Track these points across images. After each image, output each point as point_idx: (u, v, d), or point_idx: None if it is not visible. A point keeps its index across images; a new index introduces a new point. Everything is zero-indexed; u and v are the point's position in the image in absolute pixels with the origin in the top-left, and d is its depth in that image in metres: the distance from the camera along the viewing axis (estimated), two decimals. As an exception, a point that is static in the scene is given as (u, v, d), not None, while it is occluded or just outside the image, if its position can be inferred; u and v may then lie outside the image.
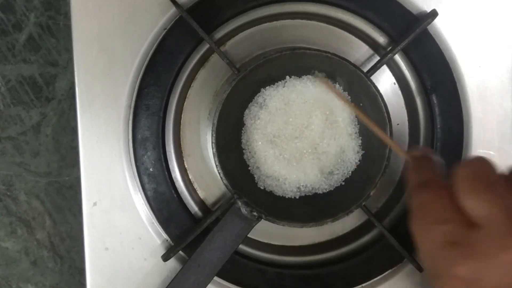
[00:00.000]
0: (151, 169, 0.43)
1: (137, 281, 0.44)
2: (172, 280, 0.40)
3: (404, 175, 0.32)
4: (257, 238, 0.45)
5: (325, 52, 0.40)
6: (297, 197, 0.43)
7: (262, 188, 0.43)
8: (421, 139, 0.45)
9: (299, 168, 0.42)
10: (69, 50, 0.51)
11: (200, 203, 0.45)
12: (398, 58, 0.44)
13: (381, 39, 0.45)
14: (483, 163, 0.26)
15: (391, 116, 0.40)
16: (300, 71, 0.42)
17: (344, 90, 0.42)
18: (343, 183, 0.43)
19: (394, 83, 0.46)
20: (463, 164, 0.27)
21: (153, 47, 0.44)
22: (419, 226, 0.27)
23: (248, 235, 0.41)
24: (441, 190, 0.27)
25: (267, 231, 0.45)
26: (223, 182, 0.40)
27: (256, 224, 0.40)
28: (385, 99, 0.40)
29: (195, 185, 0.45)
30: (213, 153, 0.40)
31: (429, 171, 0.30)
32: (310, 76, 0.42)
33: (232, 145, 0.43)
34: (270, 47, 0.45)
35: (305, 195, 0.43)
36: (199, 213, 0.45)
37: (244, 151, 0.43)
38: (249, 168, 0.43)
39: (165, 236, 0.44)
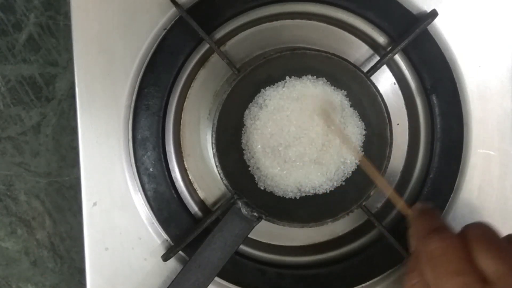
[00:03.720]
0: (151, 169, 0.43)
1: (137, 281, 0.44)
2: (173, 281, 0.40)
3: (408, 231, 0.33)
4: (257, 238, 0.45)
5: (325, 52, 0.40)
6: (297, 198, 0.43)
7: (262, 188, 0.43)
8: (421, 139, 0.45)
9: (299, 168, 0.42)
10: (69, 50, 0.51)
11: (200, 203, 0.45)
12: (398, 58, 0.44)
13: (381, 39, 0.45)
14: (489, 226, 0.29)
15: (391, 116, 0.40)
16: (300, 71, 0.42)
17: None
18: (343, 183, 0.43)
19: (394, 83, 0.46)
20: (473, 225, 0.29)
21: (153, 47, 0.44)
22: (432, 276, 0.28)
23: (248, 235, 0.41)
24: (453, 239, 0.28)
25: (267, 231, 0.45)
26: (223, 182, 0.40)
27: (256, 225, 0.40)
28: (385, 99, 0.40)
29: (195, 185, 0.45)
30: (213, 153, 0.40)
31: (437, 220, 0.31)
32: (310, 76, 0.42)
33: (232, 146, 0.43)
34: (270, 47, 0.45)
35: (305, 195, 0.43)
36: (199, 213, 0.45)
37: (244, 151, 0.43)
38: (249, 169, 0.43)
39: (165, 236, 0.44)
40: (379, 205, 0.46)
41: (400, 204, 0.35)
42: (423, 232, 0.30)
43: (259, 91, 0.43)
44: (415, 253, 0.30)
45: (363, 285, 0.44)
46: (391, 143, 0.40)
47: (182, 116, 0.45)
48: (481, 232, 0.28)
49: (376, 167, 0.37)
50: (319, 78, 0.42)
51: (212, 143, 0.39)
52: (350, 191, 0.42)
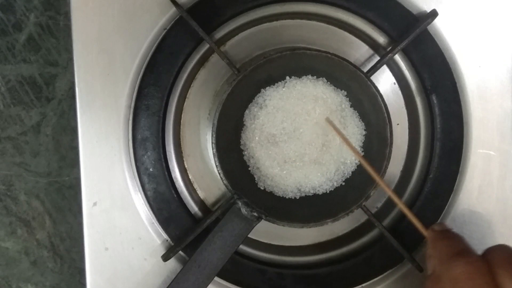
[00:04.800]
0: (151, 169, 0.43)
1: (137, 281, 0.44)
2: (172, 281, 0.40)
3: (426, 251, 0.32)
4: (257, 238, 0.45)
5: (325, 52, 0.40)
6: (297, 198, 0.43)
7: (262, 188, 0.43)
8: (421, 139, 0.45)
9: (299, 168, 0.42)
10: (69, 50, 0.51)
11: (200, 203, 0.45)
12: (398, 58, 0.44)
13: (381, 39, 0.45)
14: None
15: (391, 116, 0.40)
16: (300, 71, 0.42)
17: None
18: (343, 183, 0.43)
19: (394, 83, 0.46)
20: (497, 248, 0.28)
21: (153, 47, 0.44)
22: None
23: (248, 235, 0.41)
24: (478, 263, 0.27)
25: (267, 231, 0.45)
26: (223, 182, 0.40)
27: (256, 225, 0.40)
28: (385, 99, 0.40)
29: (195, 185, 0.45)
30: (213, 154, 0.40)
31: (460, 243, 0.30)
32: (310, 76, 0.42)
33: (232, 146, 0.43)
34: (270, 47, 0.45)
35: (305, 195, 0.43)
36: (199, 213, 0.45)
37: (243, 151, 0.43)
38: (249, 169, 0.43)
39: (165, 236, 0.44)
40: (379, 205, 0.46)
41: (418, 225, 0.34)
42: (446, 255, 0.29)
43: (259, 91, 0.43)
44: (434, 276, 0.29)
45: (363, 285, 0.44)
46: (391, 143, 0.40)
47: (182, 116, 0.45)
48: (506, 256, 0.28)
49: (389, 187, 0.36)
50: (319, 78, 0.42)
51: (212, 143, 0.40)
52: (350, 191, 0.42)
